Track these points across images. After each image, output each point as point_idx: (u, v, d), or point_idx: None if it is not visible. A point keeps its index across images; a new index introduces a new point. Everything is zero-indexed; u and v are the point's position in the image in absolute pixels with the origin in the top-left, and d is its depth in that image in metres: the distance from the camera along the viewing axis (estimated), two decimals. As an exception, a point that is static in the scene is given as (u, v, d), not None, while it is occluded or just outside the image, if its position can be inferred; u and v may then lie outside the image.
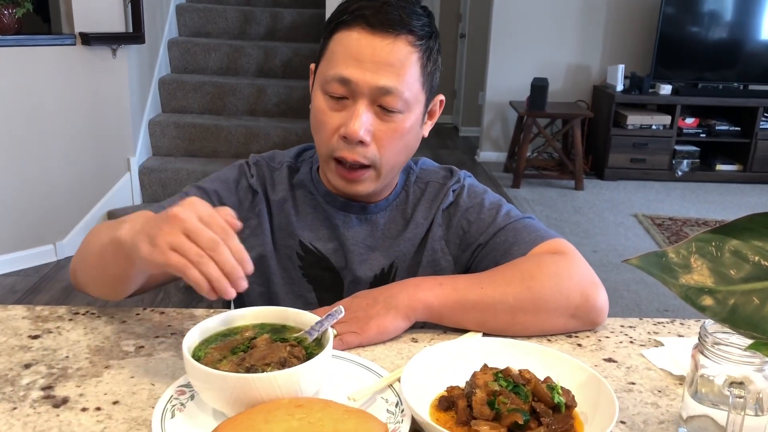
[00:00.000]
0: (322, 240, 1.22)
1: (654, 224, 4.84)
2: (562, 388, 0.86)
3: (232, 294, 0.82)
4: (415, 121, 1.11)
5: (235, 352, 0.87)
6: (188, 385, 0.90)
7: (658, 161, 5.91)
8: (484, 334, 1.06)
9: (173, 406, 0.86)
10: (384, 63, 1.05)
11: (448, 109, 7.92)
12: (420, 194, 1.27)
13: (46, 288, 3.56)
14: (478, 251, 1.22)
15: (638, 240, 4.54)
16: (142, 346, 1.03)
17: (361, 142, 1.09)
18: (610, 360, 1.04)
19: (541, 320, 1.05)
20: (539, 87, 5.55)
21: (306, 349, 0.88)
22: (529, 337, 1.06)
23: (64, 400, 0.89)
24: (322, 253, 1.21)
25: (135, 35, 4.06)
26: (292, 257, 1.21)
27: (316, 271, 1.23)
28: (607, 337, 1.11)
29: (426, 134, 1.20)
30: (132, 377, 0.95)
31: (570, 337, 1.10)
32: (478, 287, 1.04)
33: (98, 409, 0.88)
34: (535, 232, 1.19)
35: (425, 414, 0.85)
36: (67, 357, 0.99)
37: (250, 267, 0.84)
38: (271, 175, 1.26)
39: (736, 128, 5.94)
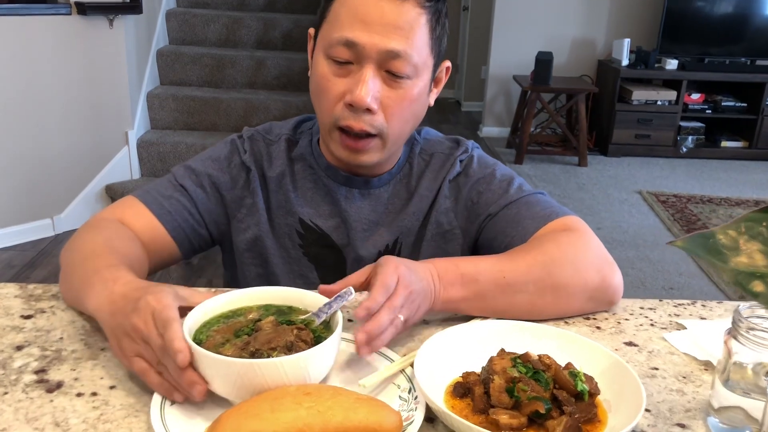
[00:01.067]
0: (323, 216, 1.17)
1: (658, 201, 4.79)
2: (585, 374, 0.82)
3: (191, 398, 0.78)
4: (423, 88, 1.06)
5: (238, 335, 0.82)
6: (189, 370, 0.85)
7: (663, 137, 5.83)
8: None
9: (173, 391, 0.81)
10: (392, 25, 0.99)
11: (450, 83, 7.82)
12: (424, 166, 1.20)
13: (44, 263, 3.51)
14: (486, 221, 1.16)
15: (642, 217, 4.49)
16: (141, 327, 0.98)
17: (368, 110, 1.03)
18: (630, 344, 0.99)
19: (559, 304, 1.01)
20: (544, 61, 5.46)
21: (314, 332, 0.83)
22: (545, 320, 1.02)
23: (59, 385, 0.84)
24: (323, 231, 1.16)
25: (132, 5, 3.96)
26: (291, 235, 1.16)
27: (317, 249, 1.18)
28: (626, 319, 1.06)
29: (432, 103, 1.13)
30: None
31: (588, 319, 1.05)
32: (501, 276, 0.97)
33: (94, 394, 0.83)
34: (548, 207, 1.14)
35: (440, 401, 0.80)
36: (61, 338, 0.95)
37: (197, 392, 0.78)
38: (267, 149, 1.20)
39: (743, 104, 5.86)
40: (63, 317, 1.00)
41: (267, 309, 0.88)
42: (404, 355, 0.90)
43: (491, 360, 0.84)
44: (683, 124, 5.87)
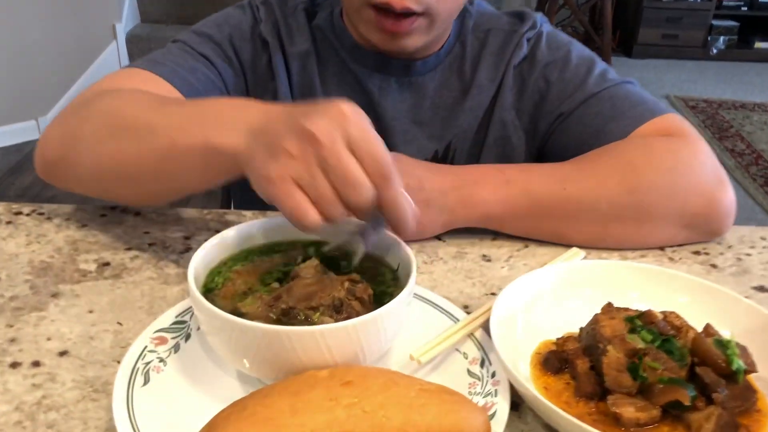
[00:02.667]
0: None
1: (687, 106, 4.47)
2: (737, 344, 0.57)
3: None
4: None
5: (266, 281, 0.57)
6: (173, 329, 0.61)
7: (692, 38, 5.42)
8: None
9: (147, 364, 0.57)
10: None
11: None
12: (479, 46, 0.93)
13: (29, 168, 3.25)
14: (557, 124, 0.90)
15: (672, 123, 4.18)
16: (107, 263, 0.73)
17: None
18: (761, 288, 0.75)
19: (642, 232, 0.80)
20: (568, -49, 4.99)
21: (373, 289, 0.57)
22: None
23: (-13, 349, 0.60)
24: None
25: None
26: None
27: None
28: (747, 254, 0.81)
29: None
30: (90, 312, 0.66)
31: (698, 254, 0.80)
32: (559, 187, 0.78)
33: (36, 364, 0.59)
34: (641, 103, 0.87)
35: (529, 382, 0.56)
36: (-2, 279, 0.70)
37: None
38: (285, 20, 0.92)
39: (781, 1, 5.42)
40: (3, 249, 0.75)
41: (317, 249, 0.62)
42: (470, 312, 0.65)
43: (597, 320, 0.59)
44: (715, 23, 5.44)
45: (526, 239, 0.80)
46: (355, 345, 0.51)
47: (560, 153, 0.89)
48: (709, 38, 5.48)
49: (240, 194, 1.05)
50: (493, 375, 0.57)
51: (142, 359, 0.57)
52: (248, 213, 0.84)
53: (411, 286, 0.54)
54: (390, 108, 0.90)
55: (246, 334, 0.50)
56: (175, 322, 0.62)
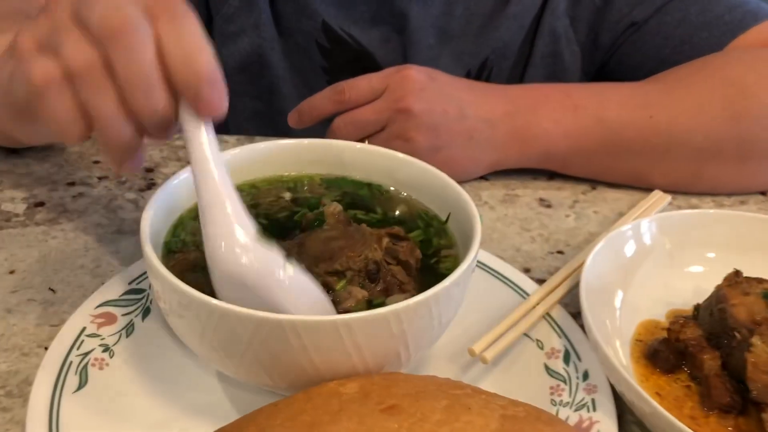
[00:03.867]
0: (363, 22, 0.72)
1: None
2: None
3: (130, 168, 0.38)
4: None
5: (259, 237, 0.39)
6: (125, 301, 0.43)
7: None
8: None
9: (85, 356, 0.39)
10: None
11: None
12: None
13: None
14: (627, 36, 0.71)
15: None
16: (40, 203, 0.54)
17: None
18: None
19: (745, 173, 0.64)
20: None
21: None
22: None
23: None
24: (362, 45, 0.70)
25: None
26: (309, 51, 0.74)
27: (349, 74, 0.70)
28: None
29: None
30: (11, 273, 0.48)
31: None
32: (643, 114, 0.61)
33: None
34: (740, 5, 0.69)
35: (634, 381, 0.39)
36: None
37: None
38: None
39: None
40: None
41: (338, 186, 0.44)
42: (535, 278, 0.47)
43: (725, 296, 0.42)
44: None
45: (592, 180, 0.62)
46: (398, 342, 0.34)
47: (629, 74, 0.70)
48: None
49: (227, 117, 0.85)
50: (586, 376, 0.40)
51: (77, 348, 0.39)
52: (231, 138, 0.65)
53: (475, 251, 0.37)
54: (414, 16, 0.70)
55: (229, 324, 0.32)
56: (129, 291, 0.44)
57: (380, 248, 0.37)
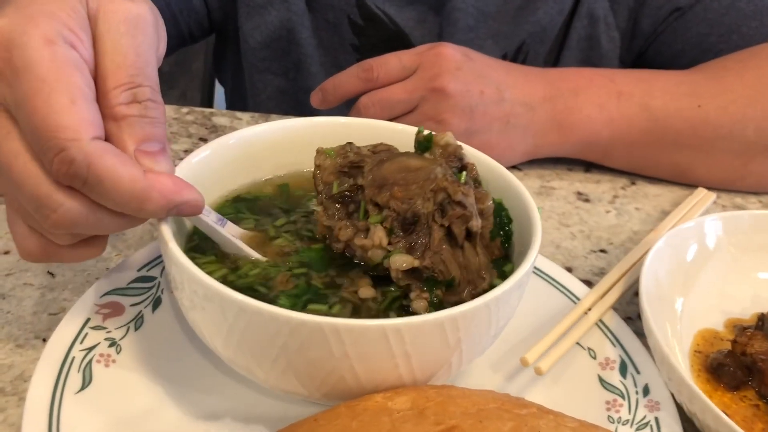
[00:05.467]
0: (400, 0, 0.65)
1: None
2: None
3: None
4: None
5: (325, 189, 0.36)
6: (134, 290, 0.39)
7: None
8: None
9: (89, 351, 0.35)
10: None
11: None
12: None
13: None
14: (670, 22, 0.67)
15: None
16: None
17: None
18: None
19: None
20: None
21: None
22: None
23: None
24: (396, 24, 0.65)
25: None
26: (340, 27, 0.69)
27: (380, 54, 0.66)
28: None
29: None
30: (5, 253, 0.43)
31: None
32: (692, 103, 0.57)
33: None
34: None
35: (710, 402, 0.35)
36: None
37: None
38: None
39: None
40: None
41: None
42: (586, 284, 0.43)
43: (795, 307, 0.38)
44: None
45: (630, 174, 0.58)
46: (451, 350, 0.30)
47: (668, 64, 0.66)
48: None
49: (231, 83, 0.80)
50: (647, 391, 0.36)
51: (81, 342, 0.35)
52: (245, 115, 0.60)
53: (536, 249, 0.33)
54: None
55: (261, 325, 0.28)
56: (138, 279, 0.39)
57: (434, 202, 0.32)
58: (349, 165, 0.35)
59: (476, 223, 0.33)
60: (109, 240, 0.44)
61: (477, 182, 0.36)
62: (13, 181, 0.29)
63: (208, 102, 1.16)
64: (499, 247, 0.35)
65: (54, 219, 0.29)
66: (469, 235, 0.33)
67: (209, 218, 0.34)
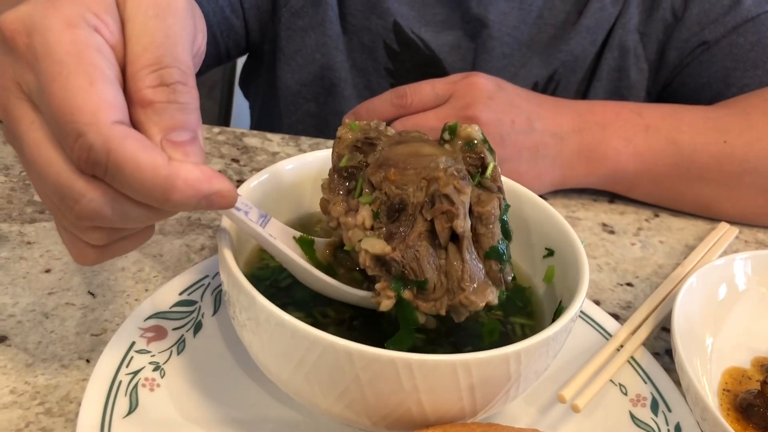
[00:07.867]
0: (435, 25, 0.68)
1: None
2: None
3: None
4: None
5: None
6: (176, 314, 0.39)
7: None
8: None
9: (134, 374, 0.36)
10: None
11: None
12: None
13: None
14: (696, 55, 0.68)
15: None
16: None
17: None
18: None
19: None
20: None
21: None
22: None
23: None
24: (431, 50, 0.66)
25: None
26: (375, 51, 0.70)
27: (414, 79, 0.66)
28: None
29: None
30: (47, 272, 0.44)
31: None
32: (718, 138, 0.58)
33: (-46, 358, 0.37)
34: None
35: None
36: None
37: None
38: None
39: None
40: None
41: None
42: (621, 321, 0.44)
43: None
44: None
45: (654, 206, 0.59)
46: (510, 383, 0.31)
47: (692, 96, 0.68)
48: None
49: (261, 102, 0.80)
50: (678, 430, 0.37)
51: (126, 366, 0.36)
52: (275, 137, 0.61)
53: (586, 281, 0.34)
54: (493, 21, 0.66)
55: (334, 359, 0.29)
56: (179, 303, 0.40)
57: (426, 193, 0.31)
58: (364, 141, 0.35)
59: (461, 224, 0.31)
60: (146, 261, 0.45)
61: (499, 189, 0.34)
62: (38, 171, 0.28)
63: (225, 112, 1.18)
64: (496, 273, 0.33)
65: (77, 210, 0.27)
66: (456, 237, 0.31)
67: (247, 215, 0.31)
